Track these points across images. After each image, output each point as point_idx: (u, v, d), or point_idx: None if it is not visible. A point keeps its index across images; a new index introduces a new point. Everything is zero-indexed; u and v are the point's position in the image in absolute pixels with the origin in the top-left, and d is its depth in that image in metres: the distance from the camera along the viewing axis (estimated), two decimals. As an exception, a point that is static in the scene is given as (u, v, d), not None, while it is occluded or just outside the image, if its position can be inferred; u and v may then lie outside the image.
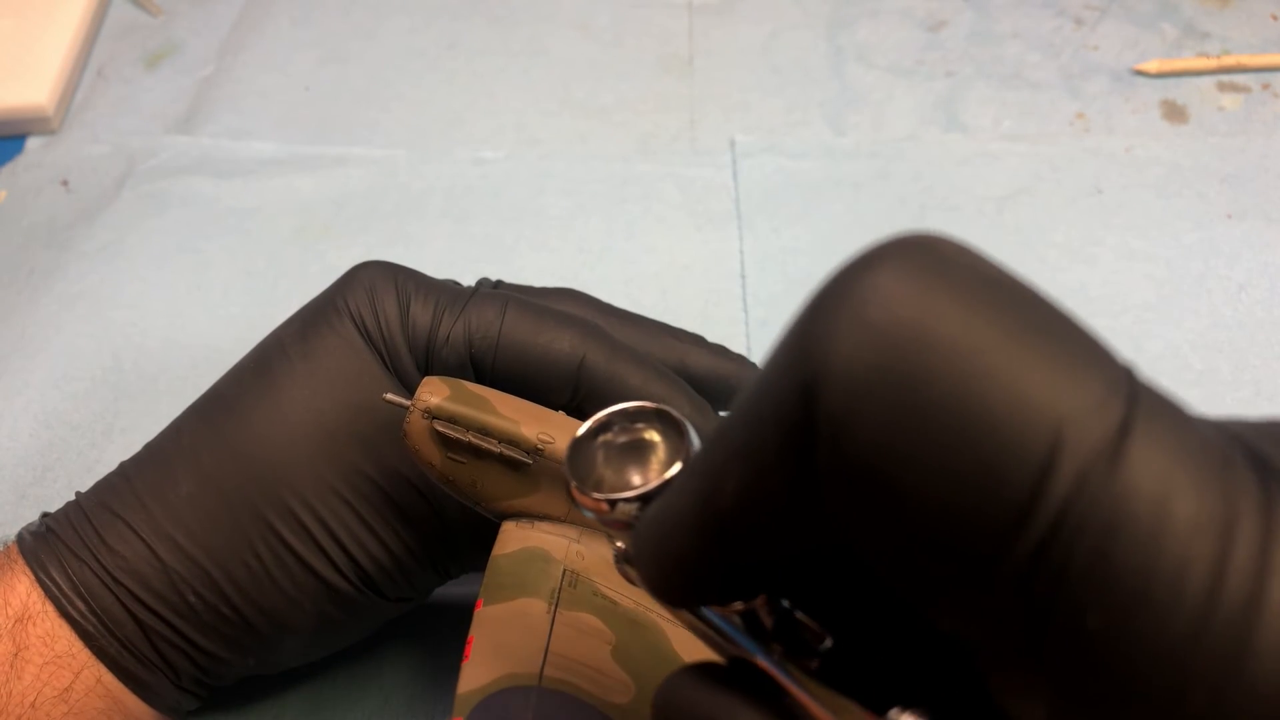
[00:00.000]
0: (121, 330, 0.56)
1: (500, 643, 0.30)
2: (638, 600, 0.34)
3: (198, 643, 0.36)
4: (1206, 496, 0.15)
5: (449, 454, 0.34)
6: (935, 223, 0.60)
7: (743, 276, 0.58)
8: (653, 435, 0.23)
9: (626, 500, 0.22)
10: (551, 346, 0.38)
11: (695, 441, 0.22)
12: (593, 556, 0.35)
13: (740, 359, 0.44)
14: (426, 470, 0.35)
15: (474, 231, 0.61)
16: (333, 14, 0.76)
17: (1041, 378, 0.15)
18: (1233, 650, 0.14)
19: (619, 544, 0.25)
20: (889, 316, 0.16)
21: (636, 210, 0.62)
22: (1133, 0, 0.73)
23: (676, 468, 0.22)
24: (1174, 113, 0.66)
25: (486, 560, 0.34)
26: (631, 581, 0.25)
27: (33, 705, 0.34)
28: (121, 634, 0.36)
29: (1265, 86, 0.67)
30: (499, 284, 0.44)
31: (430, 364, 0.38)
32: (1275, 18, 0.71)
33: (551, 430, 0.35)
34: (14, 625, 0.35)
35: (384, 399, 0.35)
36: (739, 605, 0.21)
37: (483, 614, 0.31)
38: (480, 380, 0.37)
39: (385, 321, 0.38)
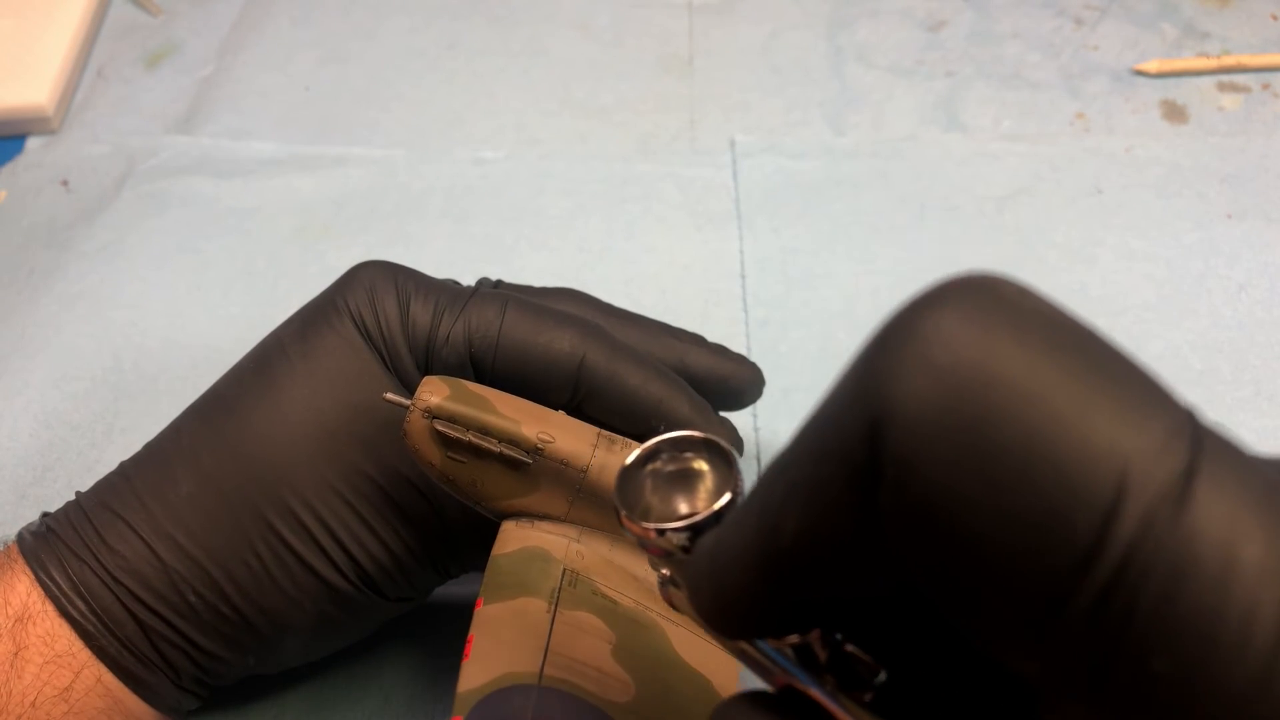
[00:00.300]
0: (121, 330, 0.56)
1: (500, 642, 0.30)
2: (638, 600, 0.34)
3: (198, 642, 0.36)
4: (1274, 540, 0.15)
5: (449, 453, 0.34)
6: (935, 223, 0.60)
7: (743, 276, 0.58)
8: (700, 464, 0.23)
9: (676, 529, 0.22)
10: (551, 346, 0.38)
11: (741, 472, 0.23)
12: (592, 556, 0.35)
13: (740, 359, 0.44)
14: (426, 470, 0.35)
15: (474, 231, 0.61)
16: (333, 14, 0.76)
17: (1105, 420, 0.15)
18: None
19: (664, 570, 0.25)
20: (953, 358, 0.16)
21: (636, 210, 0.62)
22: (1133, 0, 0.73)
23: (726, 498, 0.22)
24: (1174, 113, 0.66)
25: (486, 560, 0.34)
26: (676, 608, 0.25)
27: (33, 705, 0.34)
28: (122, 633, 0.36)
29: (1265, 86, 0.67)
30: (499, 284, 0.44)
31: (430, 363, 0.38)
32: (1275, 18, 0.71)
33: (551, 430, 0.35)
34: (14, 625, 0.35)
35: (384, 399, 0.35)
36: (794, 638, 0.21)
37: (483, 613, 0.31)
38: (480, 380, 0.37)
39: (385, 321, 0.38)
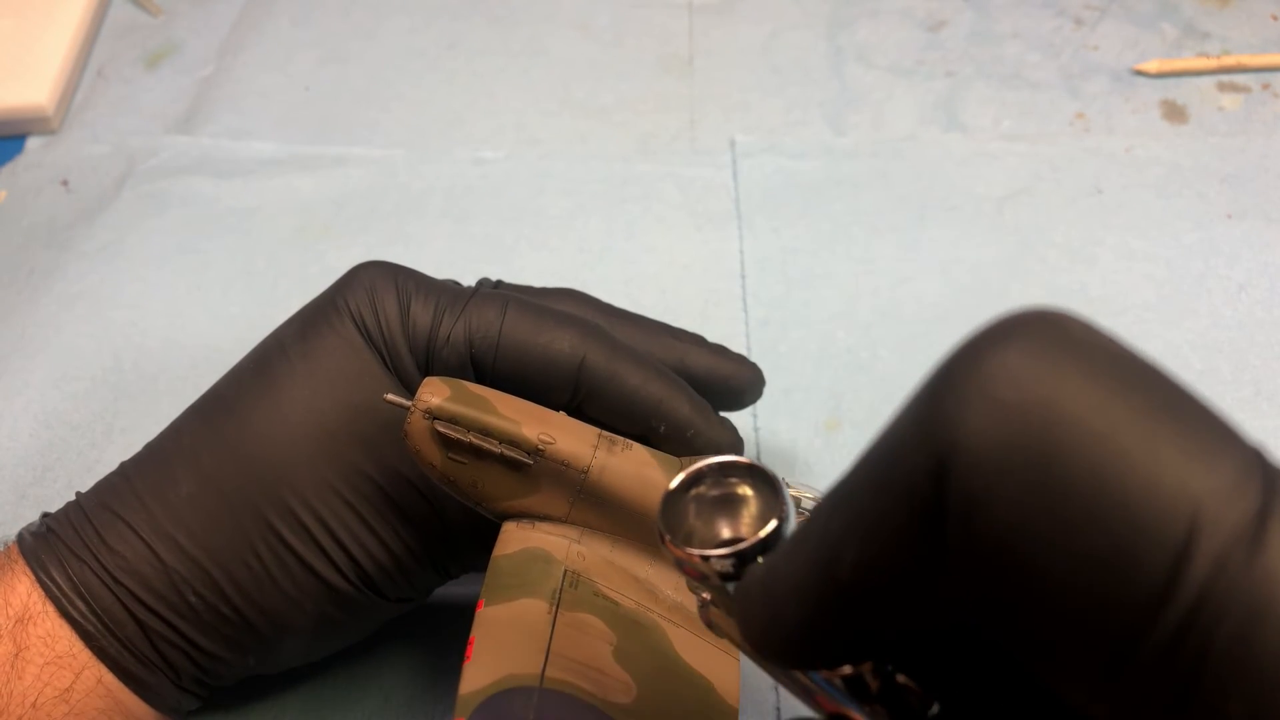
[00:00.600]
0: (121, 330, 0.56)
1: (502, 643, 0.30)
2: (639, 601, 0.34)
3: (198, 643, 0.36)
4: None
5: (450, 454, 0.34)
6: (935, 223, 0.60)
7: (743, 276, 0.58)
8: (745, 490, 0.23)
9: (721, 556, 0.22)
10: (552, 346, 0.38)
11: (789, 499, 0.23)
12: (593, 557, 0.35)
13: (740, 359, 0.44)
14: (427, 471, 0.35)
15: (474, 231, 0.61)
16: (333, 14, 0.76)
17: (1175, 460, 0.15)
18: None
19: (705, 595, 0.25)
20: (1021, 395, 0.16)
21: (636, 210, 0.62)
22: (1133, 0, 0.73)
23: (772, 525, 0.22)
24: (1174, 113, 0.66)
25: (487, 561, 0.34)
26: (717, 632, 0.25)
27: (34, 705, 0.34)
28: (122, 634, 0.36)
29: (1265, 86, 0.67)
30: (499, 284, 0.44)
31: (430, 364, 0.38)
32: (1275, 18, 0.71)
33: (552, 431, 0.35)
34: (14, 626, 0.35)
35: (385, 399, 0.35)
36: (846, 669, 0.21)
37: (484, 614, 0.31)
38: (481, 380, 0.37)
39: (385, 321, 0.38)
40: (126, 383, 0.54)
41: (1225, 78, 0.67)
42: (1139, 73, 0.68)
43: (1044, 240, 0.59)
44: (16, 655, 0.34)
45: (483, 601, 0.32)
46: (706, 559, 0.22)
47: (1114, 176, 0.62)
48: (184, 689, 0.38)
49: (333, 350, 0.38)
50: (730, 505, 0.23)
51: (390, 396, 0.35)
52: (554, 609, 0.32)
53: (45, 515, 0.38)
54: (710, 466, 0.24)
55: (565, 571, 0.33)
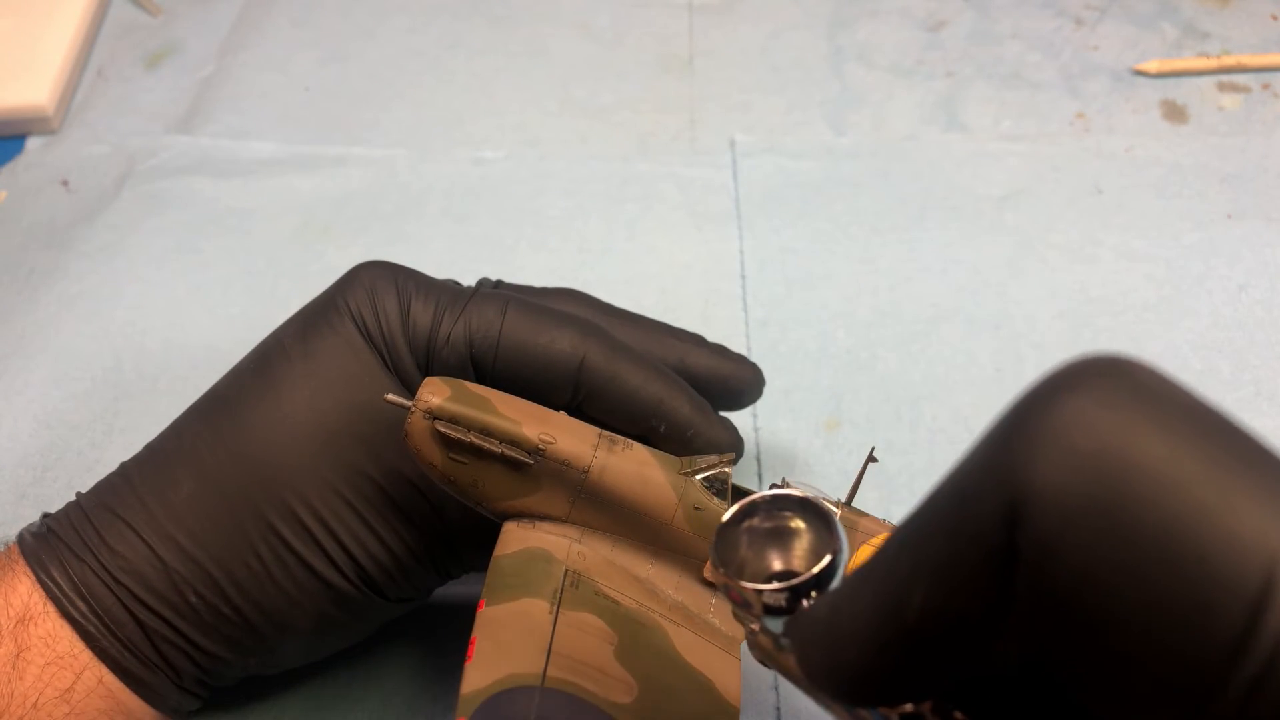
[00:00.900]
0: (121, 330, 0.56)
1: (503, 643, 0.30)
2: (639, 600, 0.34)
3: (199, 643, 0.36)
4: None
5: (450, 454, 0.34)
6: (935, 223, 0.60)
7: (743, 276, 0.58)
8: (797, 523, 0.24)
9: (776, 590, 0.22)
10: (552, 346, 0.38)
11: (842, 534, 0.23)
12: (594, 557, 0.35)
13: (740, 359, 0.44)
14: (428, 471, 0.35)
15: (474, 231, 0.61)
16: (333, 14, 0.76)
17: (1250, 511, 0.15)
18: None
19: (753, 625, 0.25)
20: (1093, 444, 0.16)
21: (636, 210, 0.62)
22: (1133, 0, 0.73)
23: (826, 560, 0.22)
24: (1174, 113, 0.66)
25: (488, 560, 0.34)
26: (766, 664, 0.25)
27: (34, 706, 0.34)
28: (123, 634, 0.36)
29: (1265, 86, 0.67)
30: (499, 284, 0.44)
31: (431, 364, 0.38)
32: (1275, 18, 0.71)
33: (553, 430, 0.35)
34: (15, 626, 0.35)
35: (386, 399, 0.35)
36: (907, 707, 0.21)
37: (485, 614, 0.31)
38: (481, 380, 0.37)
39: (386, 321, 0.38)
40: (126, 383, 0.54)
41: (1225, 78, 0.67)
42: (1139, 73, 0.68)
43: (1044, 240, 0.59)
44: (17, 656, 0.34)
45: (484, 601, 0.32)
46: (760, 593, 0.23)
47: (1114, 176, 0.62)
48: (185, 689, 0.38)
49: (333, 350, 0.37)
50: (783, 537, 0.24)
51: (391, 396, 0.35)
52: (555, 609, 0.32)
53: (45, 515, 0.38)
54: (763, 500, 0.24)
55: (566, 571, 0.33)
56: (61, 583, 0.35)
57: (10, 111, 0.67)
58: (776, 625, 0.23)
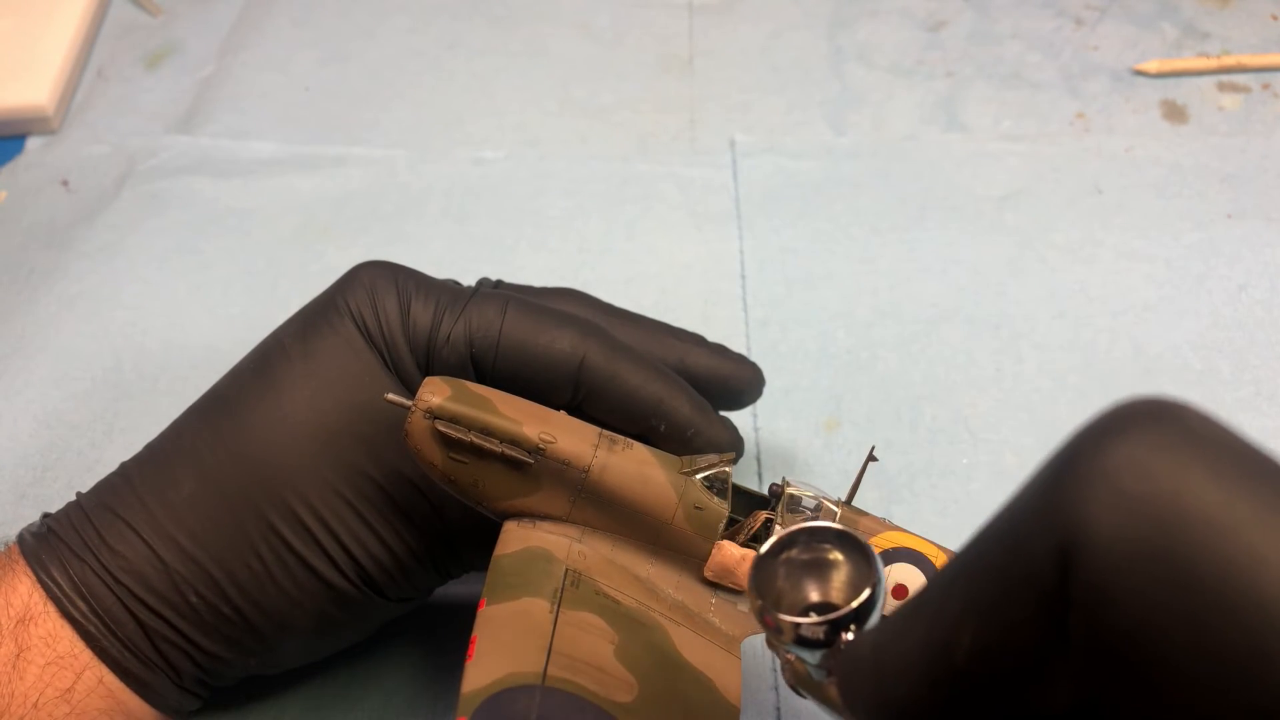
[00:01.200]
0: (121, 330, 0.56)
1: (503, 642, 0.30)
2: (640, 599, 0.34)
3: (199, 643, 0.36)
4: None
5: (451, 454, 0.34)
6: (935, 223, 0.60)
7: (743, 276, 0.58)
8: (835, 555, 0.24)
9: (814, 624, 0.23)
10: (552, 346, 0.38)
11: (881, 568, 0.23)
12: (594, 556, 0.35)
13: (740, 358, 0.44)
14: (428, 470, 0.35)
15: (474, 231, 0.61)
16: (333, 14, 0.76)
17: None
18: None
19: (789, 656, 0.25)
20: (1146, 489, 0.16)
21: (636, 210, 0.62)
22: (1133, 0, 0.73)
23: (866, 594, 0.23)
24: (1174, 113, 0.66)
25: (488, 560, 0.34)
26: (803, 694, 0.25)
27: (35, 706, 0.34)
28: (123, 634, 0.36)
29: (1265, 86, 0.67)
30: (499, 284, 0.44)
31: (431, 364, 0.38)
32: (1275, 18, 0.71)
33: (553, 430, 0.35)
34: (16, 626, 0.35)
35: (386, 399, 0.35)
36: None
37: (486, 614, 0.31)
38: (481, 380, 0.37)
39: (386, 321, 0.38)
40: (126, 383, 0.54)
41: (1225, 78, 0.67)
42: (1139, 73, 0.68)
43: (1044, 240, 0.59)
44: (18, 656, 0.34)
45: (484, 600, 0.32)
46: (798, 625, 0.23)
47: (1114, 176, 0.62)
48: (185, 689, 0.38)
49: (333, 350, 0.37)
50: (820, 570, 0.24)
51: (391, 396, 0.35)
52: (555, 608, 0.32)
53: (46, 515, 0.38)
54: (801, 532, 0.24)
55: (566, 571, 0.33)
56: (62, 583, 0.35)
57: (10, 111, 0.67)
58: (814, 657, 0.23)
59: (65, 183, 0.65)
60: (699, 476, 0.35)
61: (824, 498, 0.36)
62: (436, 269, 0.42)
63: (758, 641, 0.44)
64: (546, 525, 0.35)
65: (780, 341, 0.55)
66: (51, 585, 0.35)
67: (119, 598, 0.35)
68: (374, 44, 0.74)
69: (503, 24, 0.75)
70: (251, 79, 0.71)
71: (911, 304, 0.56)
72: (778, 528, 0.35)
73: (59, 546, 0.36)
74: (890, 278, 0.57)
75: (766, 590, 0.24)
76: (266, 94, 0.70)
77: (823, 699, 0.24)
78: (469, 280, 0.44)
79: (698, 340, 0.44)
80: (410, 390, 0.38)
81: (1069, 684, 0.17)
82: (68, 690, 0.35)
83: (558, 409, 0.37)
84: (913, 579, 0.35)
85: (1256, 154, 0.62)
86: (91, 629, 0.35)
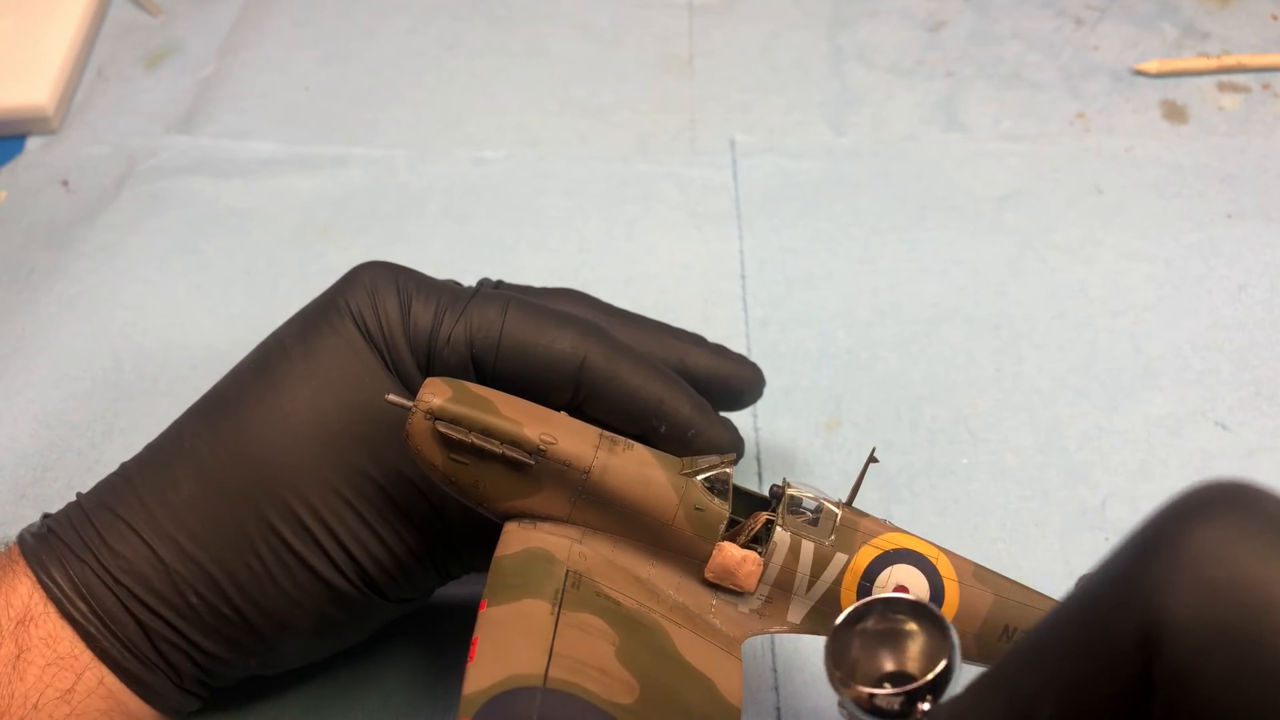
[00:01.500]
0: (121, 330, 0.56)
1: (504, 643, 0.30)
2: (640, 601, 0.34)
3: (199, 644, 0.36)
4: None
5: (451, 455, 0.34)
6: (935, 223, 0.60)
7: (743, 276, 0.58)
8: (910, 626, 0.24)
9: (889, 695, 0.23)
10: (553, 346, 0.38)
11: (955, 640, 0.23)
12: (595, 557, 0.35)
13: (740, 359, 0.44)
14: (428, 471, 0.35)
15: (474, 231, 0.61)
16: (333, 14, 0.76)
17: None
18: None
19: None
20: (1230, 575, 0.16)
21: (636, 210, 0.62)
22: (1133, 0, 0.73)
23: (942, 665, 0.23)
24: (1174, 113, 0.66)
25: (488, 561, 0.34)
26: None
27: (35, 706, 0.34)
28: (123, 635, 0.36)
29: (1265, 86, 0.67)
30: (499, 284, 0.44)
31: (431, 364, 0.38)
32: (1275, 18, 0.71)
33: (554, 431, 0.35)
34: (16, 627, 0.35)
35: (387, 400, 0.35)
36: None
37: (486, 615, 0.31)
38: (481, 380, 0.37)
39: (386, 322, 0.38)
40: (126, 383, 0.54)
41: (1225, 78, 0.67)
42: (1139, 73, 0.68)
43: (1044, 240, 0.59)
44: (18, 656, 0.34)
45: (485, 602, 0.32)
46: (873, 696, 0.23)
47: (1114, 176, 0.62)
48: (185, 690, 0.38)
49: (334, 351, 0.37)
50: (894, 640, 0.24)
51: (392, 397, 0.35)
52: (556, 609, 0.32)
53: (46, 516, 0.38)
54: (877, 602, 0.25)
55: (567, 572, 0.33)
56: (62, 583, 0.35)
57: (10, 111, 0.67)
58: None
59: (65, 183, 0.65)
60: (699, 477, 0.35)
61: (825, 499, 0.36)
62: (436, 269, 0.42)
63: (758, 642, 0.44)
64: (547, 526, 0.35)
65: (780, 341, 0.55)
66: (52, 586, 0.35)
67: (119, 598, 0.35)
68: (374, 44, 0.74)
69: (503, 24, 0.75)
70: (251, 79, 0.71)
71: (911, 304, 0.56)
72: (777, 527, 0.35)
73: (59, 547, 0.36)
74: (890, 278, 0.57)
75: (842, 660, 0.25)
76: (266, 94, 0.70)
77: None
78: (469, 280, 0.44)
79: (698, 340, 0.44)
80: (411, 391, 0.38)
81: None
82: (68, 691, 0.35)
83: (558, 410, 0.37)
84: (913, 579, 0.35)
85: (1256, 154, 0.62)
86: (92, 630, 0.35)
